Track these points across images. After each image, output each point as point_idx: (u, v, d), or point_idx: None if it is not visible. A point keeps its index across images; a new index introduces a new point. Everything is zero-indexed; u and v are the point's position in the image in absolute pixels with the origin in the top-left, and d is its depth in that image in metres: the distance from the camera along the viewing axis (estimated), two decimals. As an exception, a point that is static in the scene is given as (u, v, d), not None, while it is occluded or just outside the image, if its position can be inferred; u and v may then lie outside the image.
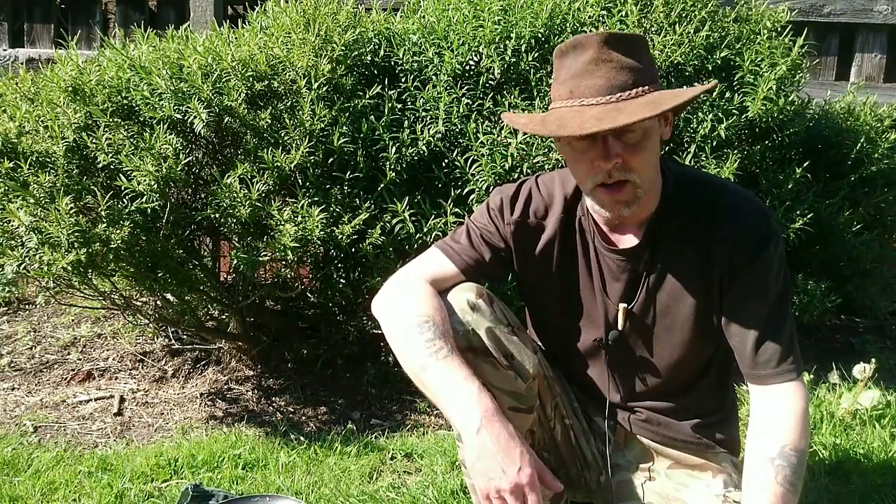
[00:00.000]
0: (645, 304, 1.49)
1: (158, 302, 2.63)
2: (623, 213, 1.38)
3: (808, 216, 2.37)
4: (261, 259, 2.16)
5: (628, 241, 1.48)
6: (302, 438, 2.32)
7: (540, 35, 2.36)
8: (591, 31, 2.38)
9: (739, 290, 1.42)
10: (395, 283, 1.49)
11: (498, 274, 1.60)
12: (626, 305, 1.50)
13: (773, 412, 1.39)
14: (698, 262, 1.44)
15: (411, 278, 1.48)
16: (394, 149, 2.25)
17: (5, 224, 2.15)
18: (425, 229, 2.20)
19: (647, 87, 1.32)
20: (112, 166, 2.14)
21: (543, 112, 1.46)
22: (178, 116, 2.16)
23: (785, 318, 1.42)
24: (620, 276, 1.49)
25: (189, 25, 2.95)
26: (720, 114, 2.31)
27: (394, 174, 2.24)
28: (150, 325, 2.84)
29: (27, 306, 3.20)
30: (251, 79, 2.21)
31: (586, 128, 1.27)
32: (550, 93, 1.43)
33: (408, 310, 1.41)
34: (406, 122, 2.30)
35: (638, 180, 1.35)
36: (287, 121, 2.19)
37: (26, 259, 2.10)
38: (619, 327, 1.51)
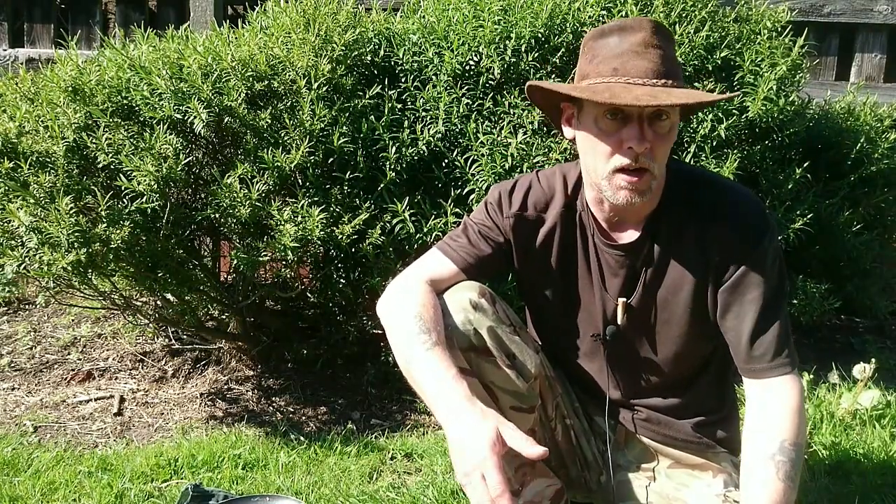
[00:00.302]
0: (643, 298, 1.50)
1: (158, 302, 2.63)
2: (634, 202, 1.37)
3: (808, 216, 2.37)
4: (261, 259, 2.16)
5: (627, 236, 1.48)
6: (302, 438, 2.32)
7: (540, 35, 2.36)
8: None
9: (735, 284, 1.42)
10: (396, 287, 1.50)
11: (498, 270, 1.60)
12: (624, 300, 1.50)
13: (769, 406, 1.39)
14: (696, 256, 1.45)
15: (410, 281, 1.48)
16: (394, 149, 2.25)
17: (5, 224, 2.15)
18: (425, 229, 2.20)
19: (680, 83, 1.36)
20: (112, 166, 2.14)
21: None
22: (178, 116, 2.16)
23: (780, 311, 1.42)
24: (619, 271, 1.50)
25: (189, 25, 2.95)
26: (720, 114, 2.31)
27: (394, 174, 2.24)
28: (150, 325, 2.84)
29: (27, 306, 3.20)
30: (251, 79, 2.21)
31: (643, 101, 1.27)
32: (581, 70, 1.42)
33: (403, 310, 1.42)
34: (406, 122, 2.30)
35: (657, 171, 1.36)
36: (287, 121, 2.19)
37: (26, 259, 2.10)
38: (618, 322, 1.52)
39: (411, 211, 2.22)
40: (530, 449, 1.23)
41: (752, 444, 1.38)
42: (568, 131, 1.47)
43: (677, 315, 1.49)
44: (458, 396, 1.28)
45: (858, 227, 2.64)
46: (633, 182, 1.35)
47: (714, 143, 2.31)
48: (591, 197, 1.48)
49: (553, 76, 2.36)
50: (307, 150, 2.15)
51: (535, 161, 2.22)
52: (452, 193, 2.27)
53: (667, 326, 1.51)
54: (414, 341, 1.36)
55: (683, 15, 2.42)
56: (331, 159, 2.26)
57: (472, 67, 2.38)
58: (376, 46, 2.46)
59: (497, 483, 1.18)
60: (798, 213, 2.39)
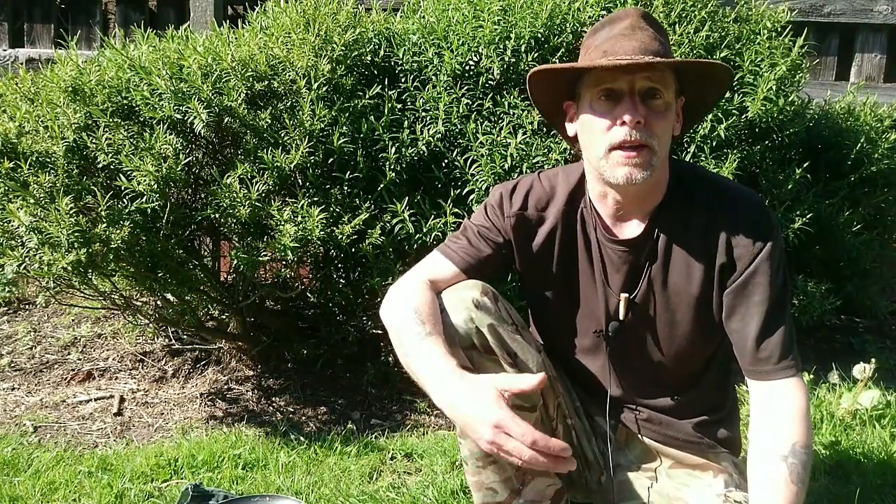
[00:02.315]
0: (646, 294, 1.50)
1: (158, 302, 2.63)
2: (635, 178, 1.36)
3: (808, 216, 2.37)
4: (261, 259, 2.16)
5: (630, 231, 1.48)
6: (302, 438, 2.32)
7: (540, 35, 2.36)
8: (591, 31, 2.38)
9: (741, 286, 1.42)
10: (396, 289, 1.50)
11: (498, 270, 1.60)
12: (627, 295, 1.50)
13: (776, 409, 1.39)
14: (700, 254, 1.45)
15: (410, 282, 1.49)
16: (393, 149, 2.25)
17: (5, 224, 2.15)
18: (425, 229, 2.20)
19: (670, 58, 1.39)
20: (112, 166, 2.14)
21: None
22: (178, 116, 2.16)
23: (785, 313, 1.43)
24: (622, 266, 1.50)
25: (189, 25, 2.95)
26: (720, 114, 2.31)
27: (394, 174, 2.24)
28: (150, 325, 2.84)
29: (27, 306, 3.20)
30: (251, 79, 2.21)
31: (623, 61, 1.32)
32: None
33: (402, 307, 1.43)
34: (406, 122, 2.30)
35: (656, 146, 1.36)
36: (287, 121, 2.19)
37: (26, 259, 2.10)
38: (621, 318, 1.52)
39: (411, 211, 2.22)
40: (529, 382, 1.28)
41: (761, 447, 1.37)
42: (570, 128, 1.49)
43: (681, 312, 1.49)
44: (450, 374, 1.31)
45: (858, 227, 2.64)
46: (631, 156, 1.35)
47: (714, 143, 2.31)
48: (595, 192, 1.49)
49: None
50: (307, 150, 2.15)
51: (534, 161, 2.22)
52: (452, 193, 2.27)
53: (670, 324, 1.51)
54: (410, 332, 1.38)
55: (683, 15, 2.42)
56: (331, 159, 2.26)
57: (472, 68, 2.38)
58: (376, 46, 2.46)
59: (524, 431, 1.22)
60: (798, 213, 2.39)
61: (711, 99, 1.53)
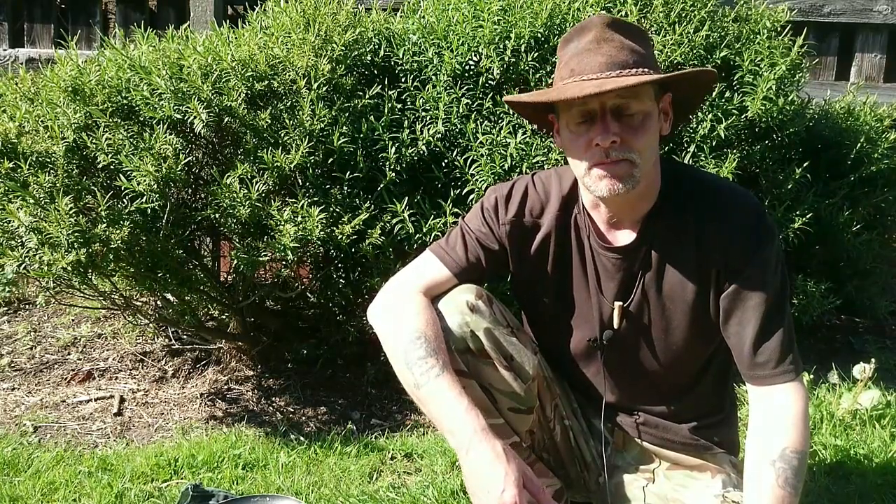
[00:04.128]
0: (640, 302, 1.49)
1: (158, 302, 2.63)
2: (618, 190, 1.35)
3: (808, 216, 2.37)
4: (261, 259, 2.16)
5: (624, 238, 1.47)
6: (302, 438, 2.32)
7: (539, 35, 2.36)
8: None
9: (737, 290, 1.41)
10: (390, 294, 1.49)
11: (493, 275, 1.60)
12: (621, 304, 1.50)
13: (772, 414, 1.39)
14: (694, 260, 1.44)
15: (406, 289, 1.48)
16: (393, 149, 2.25)
17: (5, 224, 2.15)
18: (425, 229, 2.20)
19: (648, 70, 1.34)
20: (112, 166, 2.14)
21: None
22: (178, 116, 2.16)
23: (783, 317, 1.41)
24: (616, 274, 1.49)
25: (189, 25, 2.95)
26: (720, 114, 2.31)
27: (393, 174, 2.24)
28: (150, 325, 2.84)
29: (27, 306, 3.20)
30: (251, 79, 2.21)
31: (586, 89, 1.28)
32: (552, 81, 1.44)
33: (402, 324, 1.42)
34: (406, 122, 2.30)
35: (637, 159, 1.34)
36: (287, 121, 2.19)
37: (26, 259, 2.10)
38: (615, 326, 1.51)
39: (411, 211, 2.22)
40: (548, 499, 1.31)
41: (754, 450, 1.37)
42: (557, 140, 1.48)
43: (676, 320, 1.48)
44: (475, 434, 1.32)
45: (858, 227, 2.64)
46: (609, 168, 1.34)
47: (714, 143, 2.31)
48: (588, 200, 1.48)
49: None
50: (307, 150, 2.15)
51: (534, 161, 2.22)
52: (452, 193, 2.27)
53: (665, 331, 1.50)
54: (421, 366, 1.37)
55: (683, 14, 2.42)
56: (331, 159, 2.26)
57: (472, 67, 2.38)
58: (376, 46, 2.46)
59: None
60: (798, 213, 2.38)
61: (696, 98, 1.51)
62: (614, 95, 1.31)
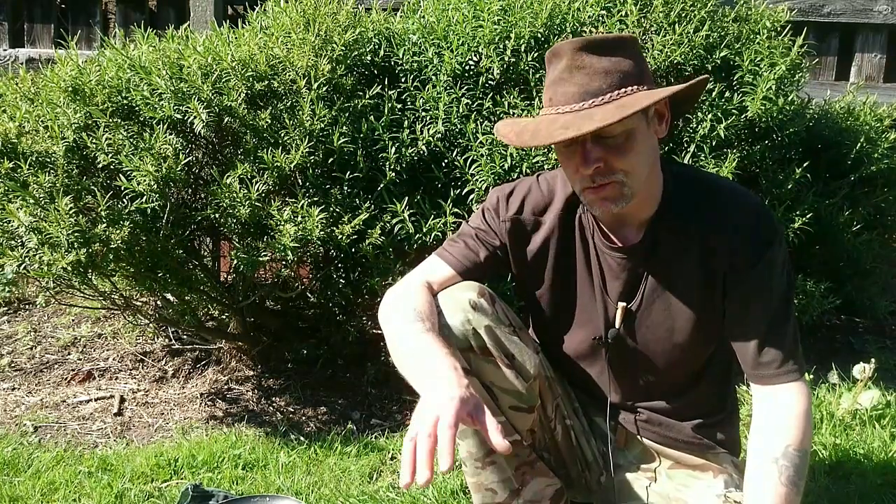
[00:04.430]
0: (645, 302, 1.49)
1: (158, 302, 2.63)
2: (612, 210, 1.36)
3: (808, 216, 2.37)
4: (261, 259, 2.16)
5: (629, 238, 1.48)
6: (302, 438, 2.32)
7: (539, 35, 2.36)
8: (590, 31, 2.38)
9: (742, 291, 1.42)
10: (394, 292, 1.50)
11: (495, 273, 1.60)
12: (625, 304, 1.50)
13: (775, 413, 1.39)
14: (699, 261, 1.44)
15: (408, 285, 1.49)
16: (393, 149, 2.25)
17: (5, 224, 2.15)
18: (425, 229, 2.20)
19: (627, 89, 1.31)
20: (112, 166, 2.14)
21: (536, 115, 1.46)
22: (178, 116, 2.16)
23: (788, 318, 1.42)
24: (620, 274, 1.49)
25: (189, 25, 2.95)
26: (719, 114, 2.31)
27: (393, 174, 2.24)
28: (150, 325, 2.84)
29: (27, 306, 3.20)
30: (251, 79, 2.21)
31: (555, 136, 1.28)
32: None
33: (400, 308, 1.42)
34: (406, 122, 2.30)
35: (625, 179, 1.34)
36: (287, 121, 2.19)
37: (26, 259, 2.10)
38: (618, 326, 1.51)
39: (411, 211, 2.22)
40: (495, 437, 1.13)
41: (756, 448, 1.38)
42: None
43: (680, 320, 1.48)
44: (446, 366, 1.23)
45: (858, 227, 2.64)
46: (599, 192, 1.35)
47: (713, 143, 2.31)
48: None
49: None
50: (307, 150, 2.15)
51: (534, 161, 2.22)
52: (452, 194, 2.27)
53: (668, 332, 1.50)
54: (408, 329, 1.36)
55: (683, 15, 2.42)
56: (331, 159, 2.26)
57: (472, 67, 2.38)
58: (376, 46, 2.46)
59: (449, 424, 1.10)
60: (798, 213, 2.38)
61: (692, 98, 1.48)
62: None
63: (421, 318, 1.38)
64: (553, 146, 1.39)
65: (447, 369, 1.23)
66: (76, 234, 2.05)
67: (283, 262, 2.32)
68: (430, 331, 1.35)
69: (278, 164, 2.13)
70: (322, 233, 2.11)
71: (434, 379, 1.22)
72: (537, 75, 2.33)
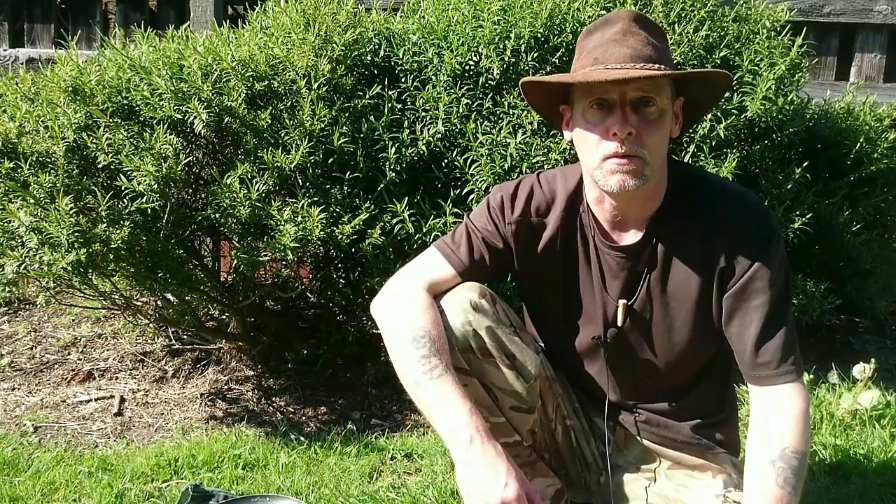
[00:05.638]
0: (645, 301, 1.49)
1: (158, 302, 2.63)
2: (628, 186, 1.35)
3: (808, 216, 2.37)
4: (261, 259, 2.16)
5: (629, 238, 1.48)
6: (302, 438, 2.32)
7: (539, 35, 2.36)
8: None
9: (740, 291, 1.42)
10: (394, 290, 1.49)
11: (497, 274, 1.60)
12: (625, 302, 1.50)
13: (773, 414, 1.39)
14: (699, 260, 1.44)
15: (410, 286, 1.48)
16: (393, 149, 2.25)
17: (5, 224, 2.15)
18: (425, 229, 2.20)
19: (667, 68, 1.36)
20: (112, 166, 2.14)
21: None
22: (178, 116, 2.16)
23: (785, 318, 1.42)
24: (620, 273, 1.49)
25: (189, 25, 2.95)
26: (719, 113, 2.31)
27: (394, 174, 2.24)
28: (151, 325, 2.84)
29: (27, 306, 3.20)
30: (251, 79, 2.21)
31: (611, 75, 1.30)
32: (571, 69, 1.45)
33: (405, 322, 1.41)
34: (406, 122, 2.30)
35: (648, 157, 1.35)
36: (287, 121, 2.19)
37: (26, 259, 2.10)
38: (619, 324, 1.51)
39: (411, 211, 2.22)
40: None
41: (754, 450, 1.37)
42: (567, 134, 1.48)
43: (680, 319, 1.49)
44: (477, 433, 1.30)
45: (858, 227, 2.64)
46: (623, 164, 1.34)
47: (713, 143, 2.31)
48: (593, 197, 1.48)
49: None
50: (307, 150, 2.15)
51: (534, 161, 2.22)
52: (452, 194, 2.27)
53: (668, 330, 1.50)
54: (423, 365, 1.35)
55: (682, 14, 2.42)
56: (331, 159, 2.26)
57: (472, 68, 2.38)
58: (376, 46, 2.46)
59: None
60: (798, 213, 2.39)
61: (709, 102, 1.52)
62: (636, 87, 1.33)
63: (434, 350, 1.36)
64: (584, 110, 1.38)
65: (491, 454, 1.30)
66: (76, 234, 2.05)
67: (283, 262, 2.32)
68: (446, 370, 1.35)
69: (278, 164, 2.14)
70: (322, 233, 2.11)
71: (472, 457, 1.29)
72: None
